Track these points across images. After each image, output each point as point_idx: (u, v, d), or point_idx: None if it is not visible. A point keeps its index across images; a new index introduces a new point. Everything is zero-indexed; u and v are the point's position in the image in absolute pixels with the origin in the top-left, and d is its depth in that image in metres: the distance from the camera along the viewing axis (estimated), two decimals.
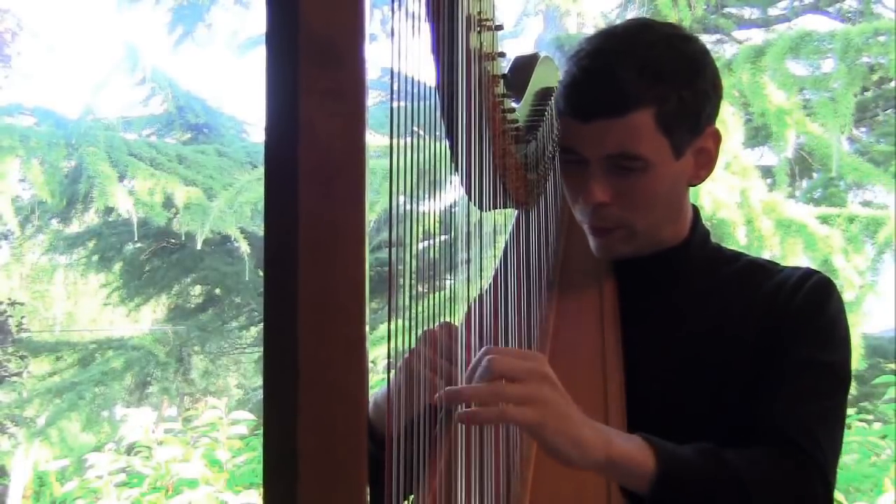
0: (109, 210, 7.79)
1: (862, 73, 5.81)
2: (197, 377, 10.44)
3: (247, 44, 9.74)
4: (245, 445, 4.91)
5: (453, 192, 1.17)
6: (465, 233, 1.17)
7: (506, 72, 1.22)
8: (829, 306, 1.26)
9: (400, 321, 0.97)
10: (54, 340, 12.31)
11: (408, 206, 0.95)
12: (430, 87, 1.04)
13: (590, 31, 7.44)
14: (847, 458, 4.29)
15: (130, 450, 5.16)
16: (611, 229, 1.29)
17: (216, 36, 10.23)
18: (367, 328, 0.57)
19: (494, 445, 1.12)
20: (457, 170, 1.13)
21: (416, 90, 0.94)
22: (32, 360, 10.74)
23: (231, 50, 9.96)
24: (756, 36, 8.26)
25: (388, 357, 0.94)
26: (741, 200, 5.48)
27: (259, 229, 7.08)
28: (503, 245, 1.42)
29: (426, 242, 1.08)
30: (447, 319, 1.18)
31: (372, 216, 6.15)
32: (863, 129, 8.21)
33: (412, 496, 1.06)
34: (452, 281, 1.22)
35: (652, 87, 1.20)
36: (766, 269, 1.32)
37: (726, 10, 8.37)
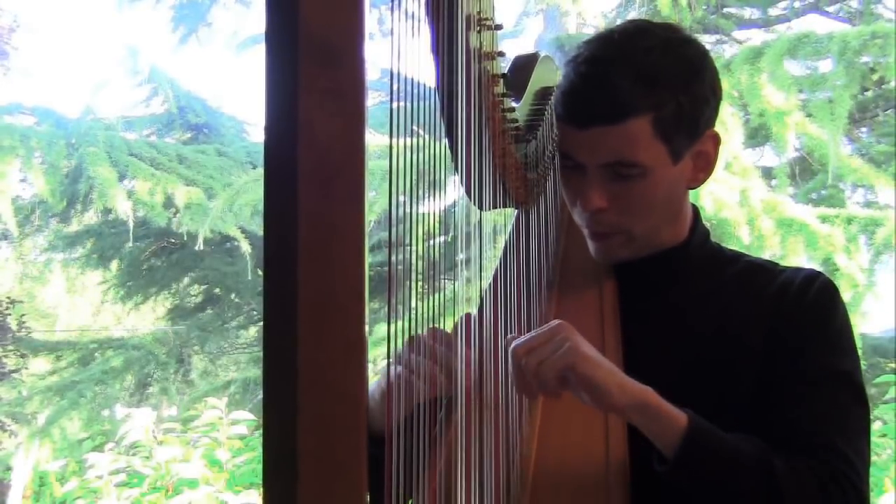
0: (109, 210, 7.80)
1: (859, 74, 5.82)
2: (196, 377, 10.44)
3: (246, 43, 9.75)
4: (245, 445, 4.91)
5: (453, 192, 1.18)
6: (465, 233, 1.17)
7: (505, 71, 1.22)
8: (838, 313, 1.26)
9: (400, 321, 0.97)
10: (54, 339, 12.32)
11: (408, 207, 0.95)
12: (429, 87, 1.04)
13: (590, 31, 7.44)
14: None
15: (130, 450, 5.17)
16: (609, 234, 1.29)
17: (216, 35, 10.25)
18: (367, 328, 0.57)
19: (494, 445, 1.11)
20: (456, 169, 1.13)
21: (415, 90, 0.93)
22: (32, 358, 10.75)
23: (231, 50, 9.98)
24: (756, 36, 8.26)
25: (388, 357, 0.94)
26: (742, 200, 5.48)
27: (259, 229, 7.08)
28: (503, 245, 1.42)
29: (427, 243, 1.08)
30: (447, 319, 1.18)
31: (371, 216, 6.15)
32: (863, 130, 8.21)
33: (411, 500, 1.06)
34: (452, 281, 1.22)
35: (649, 94, 1.19)
36: (767, 270, 1.32)
37: (726, 10, 8.37)
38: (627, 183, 1.23)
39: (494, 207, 1.25)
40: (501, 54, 1.18)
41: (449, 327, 1.18)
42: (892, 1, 8.37)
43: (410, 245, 0.97)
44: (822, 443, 1.15)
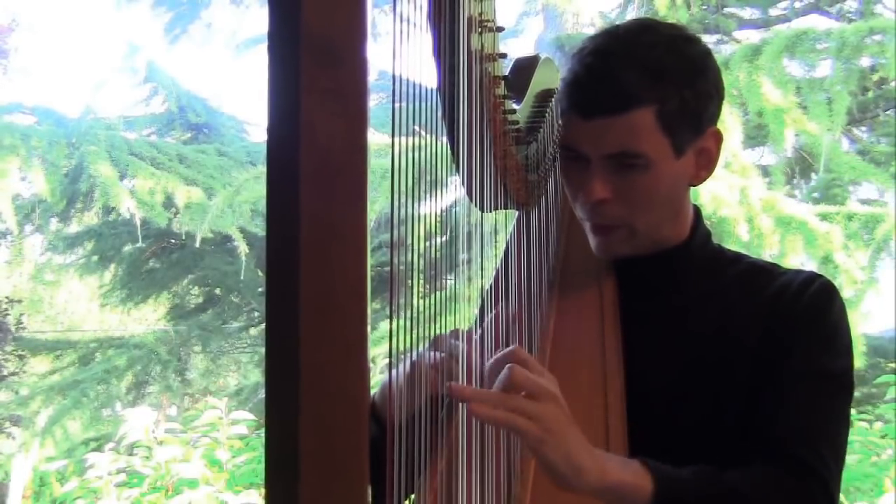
0: (110, 209, 7.79)
1: (858, 72, 5.81)
2: (197, 377, 10.44)
3: (246, 43, 9.75)
4: (245, 445, 4.91)
5: (454, 191, 1.18)
6: (466, 232, 1.17)
7: (506, 73, 1.22)
8: (832, 312, 1.26)
9: (400, 321, 0.97)
10: (54, 339, 12.31)
11: (408, 206, 0.95)
12: (430, 87, 1.04)
13: (590, 31, 7.44)
14: (848, 458, 4.28)
15: (130, 450, 5.16)
16: (611, 228, 1.29)
17: (216, 35, 10.24)
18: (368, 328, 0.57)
19: (495, 446, 1.12)
20: (458, 171, 1.13)
21: (416, 90, 0.94)
22: (32, 358, 10.74)
23: (231, 49, 9.97)
24: (756, 36, 8.26)
25: (389, 356, 0.94)
26: (741, 198, 5.48)
27: (259, 229, 7.08)
28: (504, 246, 1.42)
29: (428, 242, 1.08)
30: (447, 319, 1.18)
31: (371, 216, 6.14)
32: (863, 130, 8.21)
33: (412, 496, 1.06)
34: (453, 280, 1.22)
35: (653, 87, 1.20)
36: (768, 272, 1.32)
37: (726, 10, 8.37)
38: (631, 175, 1.23)
39: (495, 209, 1.25)
40: (503, 56, 1.19)
41: (449, 327, 1.18)
42: (891, 1, 8.37)
43: (412, 245, 0.97)
44: (797, 439, 1.15)
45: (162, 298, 9.71)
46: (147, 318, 12.72)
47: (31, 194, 7.92)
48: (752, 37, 8.17)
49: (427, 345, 1.15)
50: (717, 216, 5.36)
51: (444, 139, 1.11)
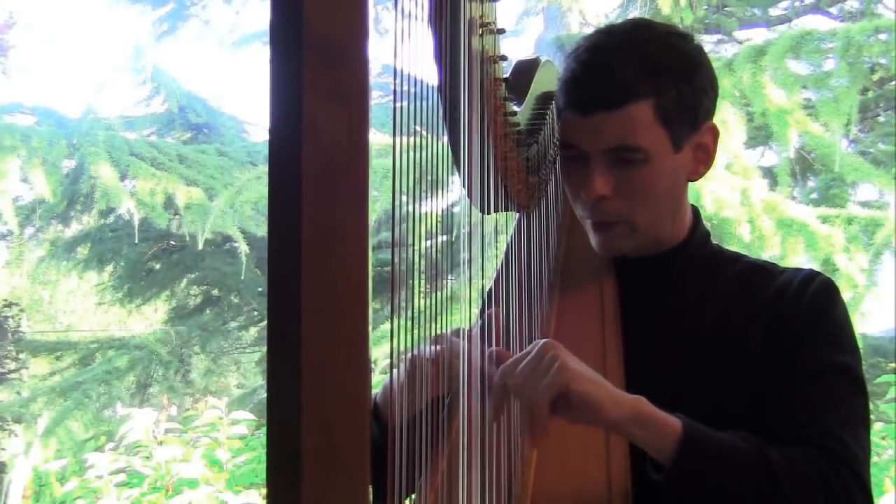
0: (110, 209, 7.79)
1: (864, 71, 5.81)
2: (197, 377, 10.43)
3: (243, 40, 9.75)
4: (245, 445, 4.91)
5: (454, 191, 1.18)
6: (466, 232, 1.17)
7: (507, 75, 1.23)
8: (836, 309, 1.26)
9: (401, 321, 0.98)
10: (54, 340, 12.29)
11: (409, 206, 0.95)
12: (431, 86, 1.04)
13: (590, 31, 7.42)
14: None
15: (131, 450, 5.16)
16: (612, 224, 1.29)
17: (216, 35, 10.24)
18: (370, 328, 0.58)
19: (496, 446, 1.12)
20: (459, 172, 1.14)
21: (417, 89, 0.94)
22: (32, 359, 10.73)
23: (228, 47, 9.97)
24: (757, 36, 8.26)
25: (391, 356, 0.94)
26: (742, 200, 5.48)
27: (259, 229, 7.08)
28: (504, 247, 1.42)
29: (429, 242, 1.09)
30: (448, 319, 1.18)
31: (372, 216, 6.13)
32: (864, 130, 8.20)
33: (413, 496, 1.06)
34: (453, 280, 1.22)
35: (650, 81, 1.22)
36: (768, 271, 1.32)
37: (728, 9, 8.36)
38: (630, 169, 1.24)
39: (496, 211, 1.25)
40: (504, 58, 1.19)
41: (450, 327, 1.18)
42: (892, 1, 8.37)
43: (413, 245, 0.97)
44: (820, 431, 1.15)
45: (162, 299, 9.70)
46: (147, 319, 12.70)
47: (31, 195, 7.91)
48: (753, 36, 8.18)
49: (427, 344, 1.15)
50: (718, 217, 5.36)
51: (445, 139, 1.11)
